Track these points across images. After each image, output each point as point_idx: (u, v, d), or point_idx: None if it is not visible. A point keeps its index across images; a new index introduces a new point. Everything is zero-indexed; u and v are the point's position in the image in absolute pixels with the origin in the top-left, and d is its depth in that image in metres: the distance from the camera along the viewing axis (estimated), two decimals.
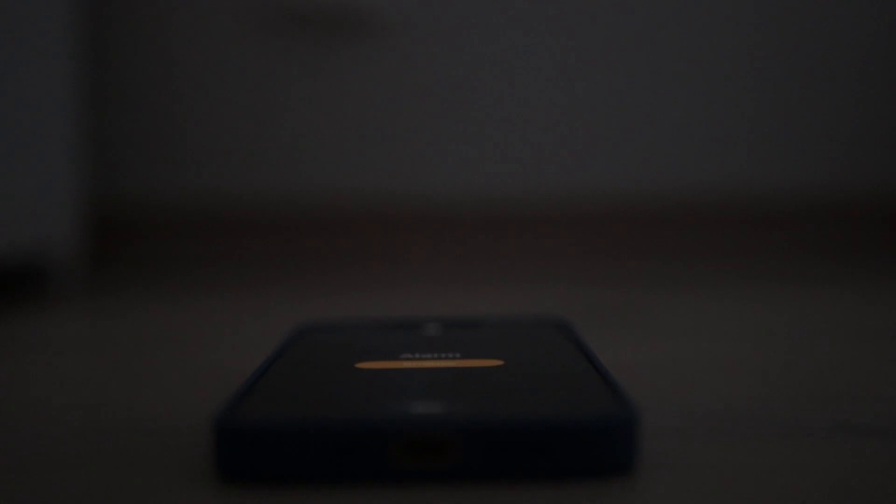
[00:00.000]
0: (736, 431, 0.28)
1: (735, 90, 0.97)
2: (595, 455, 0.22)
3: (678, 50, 0.97)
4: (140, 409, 0.31)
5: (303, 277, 0.78)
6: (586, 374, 0.27)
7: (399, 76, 0.96)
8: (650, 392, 0.33)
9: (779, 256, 0.91)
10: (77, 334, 0.48)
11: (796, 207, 0.97)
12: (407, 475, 0.22)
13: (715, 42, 0.97)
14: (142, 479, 0.24)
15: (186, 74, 0.96)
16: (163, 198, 0.96)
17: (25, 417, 0.31)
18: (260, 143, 0.96)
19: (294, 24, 0.95)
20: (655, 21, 0.97)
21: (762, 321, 0.50)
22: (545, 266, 0.85)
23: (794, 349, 0.41)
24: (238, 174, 0.96)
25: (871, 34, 0.97)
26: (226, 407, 0.24)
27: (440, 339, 0.34)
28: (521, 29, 0.97)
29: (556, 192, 0.97)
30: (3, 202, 0.61)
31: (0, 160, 0.61)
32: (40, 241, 0.66)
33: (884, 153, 0.97)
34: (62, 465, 0.25)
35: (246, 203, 0.96)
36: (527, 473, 0.23)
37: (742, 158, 0.98)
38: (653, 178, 0.97)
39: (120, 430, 0.29)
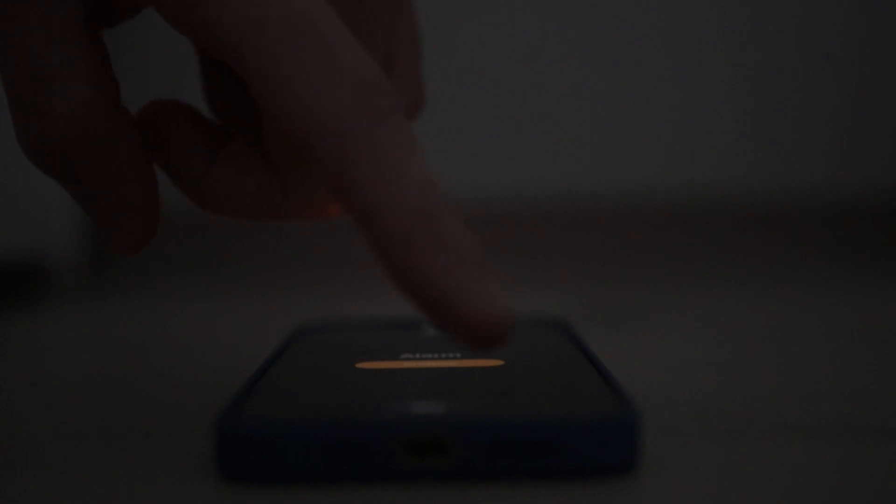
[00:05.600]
0: (736, 431, 0.28)
1: (735, 90, 0.97)
2: (596, 455, 0.22)
3: (680, 49, 0.97)
4: (140, 410, 0.31)
5: (303, 277, 0.78)
6: (587, 374, 0.27)
7: None
8: (651, 392, 0.33)
9: (778, 256, 0.91)
10: (77, 335, 0.48)
11: (796, 207, 0.97)
12: (407, 475, 0.22)
13: (715, 41, 0.97)
14: (142, 480, 0.24)
15: (186, 75, 0.96)
16: (162, 198, 0.96)
17: (25, 418, 0.31)
18: None
19: None
20: (657, 20, 0.97)
21: (762, 321, 0.50)
22: (545, 266, 0.85)
23: (794, 349, 0.41)
24: None
25: (872, 34, 0.97)
26: (227, 408, 0.24)
27: (440, 339, 0.34)
28: (521, 28, 0.97)
29: (557, 191, 0.97)
30: (2, 203, 0.61)
31: None
32: (40, 242, 0.66)
33: (884, 153, 0.97)
34: (62, 465, 0.25)
35: None
36: (527, 473, 0.23)
37: (742, 158, 0.98)
38: (653, 177, 0.97)
39: (120, 431, 0.29)
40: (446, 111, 0.97)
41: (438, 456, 0.22)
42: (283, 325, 0.51)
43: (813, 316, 0.51)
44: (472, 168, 0.97)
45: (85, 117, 0.25)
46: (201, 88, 0.31)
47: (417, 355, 0.31)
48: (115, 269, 0.89)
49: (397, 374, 0.28)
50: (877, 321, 0.49)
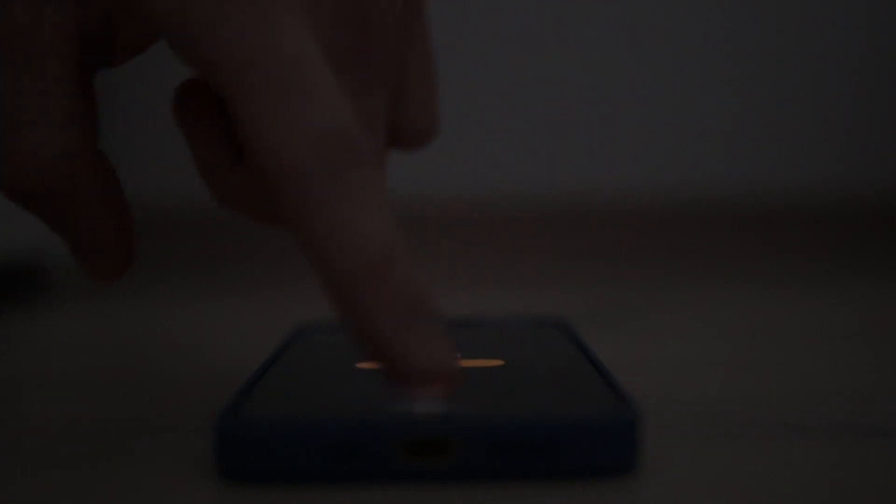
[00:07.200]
0: (736, 431, 0.28)
1: (735, 90, 0.97)
2: (596, 455, 0.23)
3: (679, 49, 0.97)
4: (140, 410, 0.31)
5: (303, 277, 0.78)
6: (587, 374, 0.27)
7: None
8: (651, 392, 0.33)
9: (778, 256, 0.91)
10: (77, 335, 0.48)
11: (796, 207, 0.97)
12: (407, 475, 0.22)
13: (715, 41, 0.97)
14: (143, 480, 0.24)
15: (185, 74, 0.96)
16: (162, 198, 0.96)
17: (25, 418, 0.31)
18: None
19: None
20: (656, 19, 0.97)
21: (762, 321, 0.50)
22: (545, 266, 0.85)
23: (794, 349, 0.41)
24: None
25: (872, 34, 0.97)
26: (227, 408, 0.24)
27: None
28: (521, 27, 0.97)
29: (557, 191, 0.97)
30: (2, 203, 0.61)
31: None
32: (40, 242, 0.66)
33: (884, 153, 0.97)
34: (62, 465, 0.25)
35: None
36: (527, 473, 0.23)
37: (742, 158, 0.98)
38: (653, 177, 0.97)
39: (120, 432, 0.29)
40: (447, 111, 0.97)
41: (438, 456, 0.22)
42: (283, 325, 0.51)
43: (813, 316, 0.51)
44: (473, 168, 0.97)
45: (54, 164, 0.25)
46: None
47: None
48: None
49: None
50: (877, 321, 0.49)
